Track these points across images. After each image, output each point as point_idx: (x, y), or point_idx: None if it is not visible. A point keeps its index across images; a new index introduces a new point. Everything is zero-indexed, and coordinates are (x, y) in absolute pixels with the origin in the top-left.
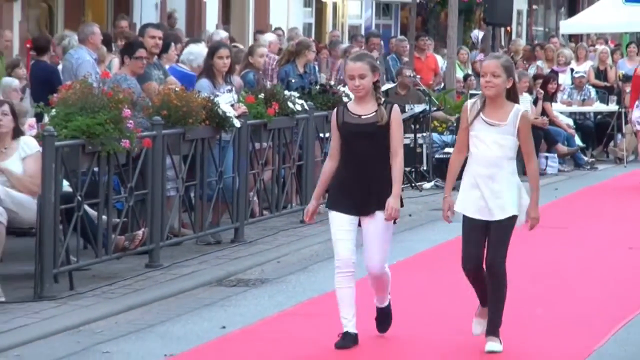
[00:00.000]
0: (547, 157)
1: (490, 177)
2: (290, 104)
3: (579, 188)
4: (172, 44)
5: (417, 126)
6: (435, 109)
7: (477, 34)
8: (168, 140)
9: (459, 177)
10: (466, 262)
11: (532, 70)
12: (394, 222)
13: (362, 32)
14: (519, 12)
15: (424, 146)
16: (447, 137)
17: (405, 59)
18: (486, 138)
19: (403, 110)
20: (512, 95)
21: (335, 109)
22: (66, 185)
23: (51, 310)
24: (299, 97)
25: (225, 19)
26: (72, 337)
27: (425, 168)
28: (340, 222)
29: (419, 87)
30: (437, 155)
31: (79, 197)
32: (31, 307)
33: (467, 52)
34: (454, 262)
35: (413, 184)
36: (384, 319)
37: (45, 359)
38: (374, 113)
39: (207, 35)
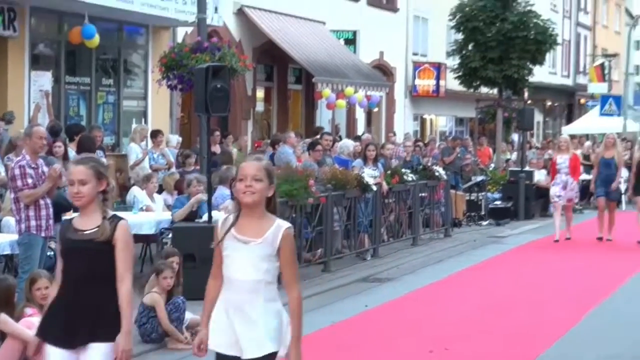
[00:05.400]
0: None
1: (243, 305)
2: (405, 177)
3: (578, 222)
4: (336, 142)
5: (478, 188)
6: (488, 178)
7: (513, 136)
8: (334, 198)
9: None
10: None
11: (547, 155)
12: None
13: (447, 135)
14: (538, 122)
15: (482, 200)
16: (496, 195)
17: (471, 149)
18: (239, 258)
19: (469, 180)
20: (273, 206)
21: (62, 223)
22: None
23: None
24: (410, 173)
25: (368, 127)
26: None
27: (483, 213)
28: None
29: (479, 166)
30: (490, 206)
31: None
32: None
33: (506, 147)
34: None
35: (477, 222)
36: None
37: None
38: (97, 228)
39: (363, 136)
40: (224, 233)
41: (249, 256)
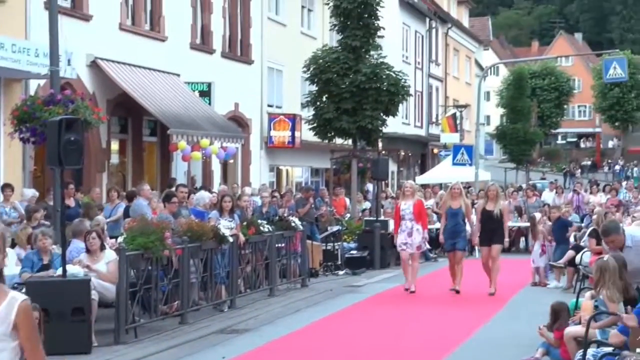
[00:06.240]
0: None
1: None
2: (261, 228)
3: (431, 270)
4: (192, 194)
5: (334, 238)
6: (344, 228)
7: (368, 186)
8: (191, 250)
9: None
10: None
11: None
12: None
13: (303, 185)
14: (392, 172)
15: (339, 250)
16: (352, 245)
17: (327, 200)
18: None
19: (325, 230)
20: (2, 276)
21: None
22: (132, 277)
23: (124, 350)
24: (266, 224)
25: (224, 179)
26: None
27: (339, 263)
28: None
29: (335, 216)
30: (346, 255)
31: (140, 284)
32: (112, 349)
33: (362, 197)
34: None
35: (333, 272)
36: None
37: None
38: None
39: (219, 189)
40: None
41: None
